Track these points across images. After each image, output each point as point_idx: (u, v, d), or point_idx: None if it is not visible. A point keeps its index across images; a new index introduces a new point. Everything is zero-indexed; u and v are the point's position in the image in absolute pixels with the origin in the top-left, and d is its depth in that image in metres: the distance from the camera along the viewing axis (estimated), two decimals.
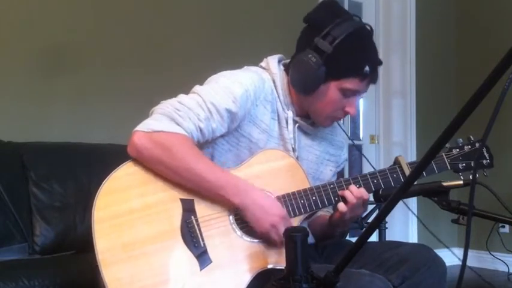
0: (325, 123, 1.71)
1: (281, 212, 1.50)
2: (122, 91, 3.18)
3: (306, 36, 1.63)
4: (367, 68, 1.58)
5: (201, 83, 1.61)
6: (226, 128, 1.57)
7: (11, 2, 2.92)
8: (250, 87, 1.58)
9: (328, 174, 1.77)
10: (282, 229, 1.47)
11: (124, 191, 1.47)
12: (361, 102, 4.58)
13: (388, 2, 4.66)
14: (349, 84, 1.59)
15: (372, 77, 1.63)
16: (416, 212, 4.29)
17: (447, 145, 1.65)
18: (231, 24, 3.66)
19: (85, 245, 1.48)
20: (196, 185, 1.48)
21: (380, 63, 1.66)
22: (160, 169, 1.48)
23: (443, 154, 1.64)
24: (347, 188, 1.57)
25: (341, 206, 1.56)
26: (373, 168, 1.66)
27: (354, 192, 1.56)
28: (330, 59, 1.55)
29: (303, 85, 1.61)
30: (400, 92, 4.66)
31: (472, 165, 1.62)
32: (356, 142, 4.48)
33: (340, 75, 1.58)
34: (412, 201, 4.27)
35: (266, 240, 1.50)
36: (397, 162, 1.63)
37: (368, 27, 1.65)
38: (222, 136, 1.61)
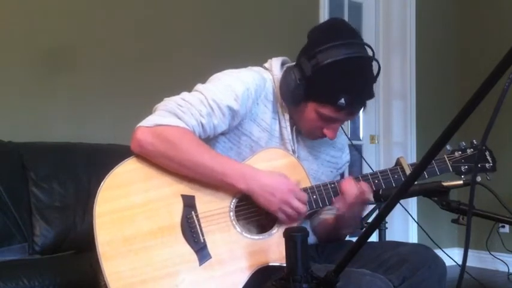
0: (308, 136, 1.71)
1: (288, 186, 1.51)
2: (122, 91, 3.18)
3: (302, 50, 1.63)
4: (342, 101, 1.54)
5: (203, 82, 1.62)
6: (227, 125, 1.58)
7: (10, 2, 2.93)
8: (252, 86, 1.59)
9: (329, 175, 1.77)
10: (294, 202, 1.50)
11: (125, 186, 1.47)
12: None
13: (388, 2, 4.66)
14: (324, 110, 1.58)
15: (350, 110, 1.59)
16: (416, 212, 4.29)
17: (449, 148, 1.66)
18: (233, 24, 3.66)
19: (85, 245, 1.48)
20: (201, 175, 1.49)
21: (368, 97, 1.60)
22: (165, 163, 1.49)
23: (446, 156, 1.65)
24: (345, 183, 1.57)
25: (336, 199, 1.57)
26: (372, 170, 1.66)
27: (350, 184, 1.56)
28: (308, 81, 1.56)
29: (287, 97, 1.62)
30: (400, 92, 4.65)
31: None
32: (356, 142, 4.48)
33: (315, 99, 1.58)
34: (412, 202, 4.26)
35: (283, 217, 1.50)
36: (398, 163, 1.64)
37: (366, 57, 1.58)
38: (224, 134, 1.62)
